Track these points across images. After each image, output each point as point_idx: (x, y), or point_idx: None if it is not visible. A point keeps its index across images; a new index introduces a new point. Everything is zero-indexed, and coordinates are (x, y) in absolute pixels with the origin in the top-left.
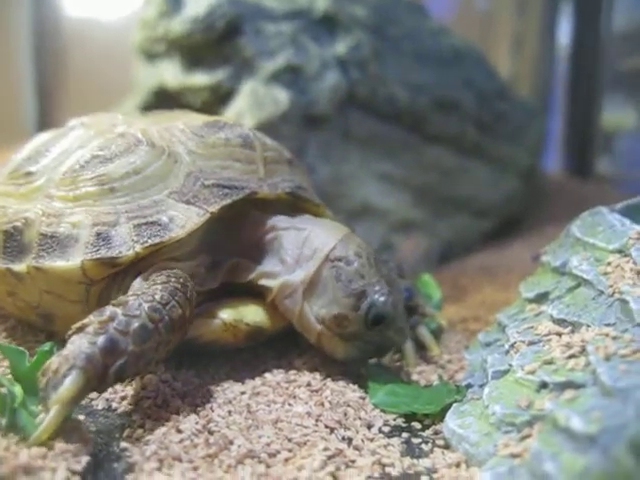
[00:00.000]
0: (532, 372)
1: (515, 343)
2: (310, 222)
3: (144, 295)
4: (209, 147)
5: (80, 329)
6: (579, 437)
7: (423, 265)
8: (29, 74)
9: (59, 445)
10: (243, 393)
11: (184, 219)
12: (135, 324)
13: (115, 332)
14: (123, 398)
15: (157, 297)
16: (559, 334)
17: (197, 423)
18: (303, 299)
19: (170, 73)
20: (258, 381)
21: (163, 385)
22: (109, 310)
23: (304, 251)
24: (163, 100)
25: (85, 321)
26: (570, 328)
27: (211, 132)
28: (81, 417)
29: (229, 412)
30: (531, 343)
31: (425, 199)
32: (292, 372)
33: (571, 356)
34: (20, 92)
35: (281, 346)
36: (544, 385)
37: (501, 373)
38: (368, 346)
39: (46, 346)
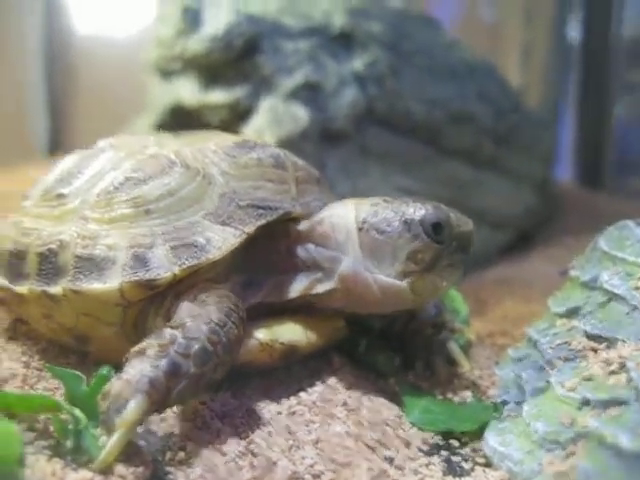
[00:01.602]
0: (573, 389)
1: (550, 359)
2: (322, 211)
3: (201, 317)
4: (242, 168)
5: (140, 352)
6: (627, 454)
7: None
8: (40, 92)
9: (119, 469)
10: (280, 413)
11: (220, 240)
12: (195, 346)
13: (176, 355)
14: (162, 420)
15: (214, 319)
16: (595, 350)
17: (239, 445)
18: (371, 274)
19: (187, 91)
20: (294, 400)
21: (201, 407)
22: (168, 333)
23: (337, 237)
24: (179, 118)
25: (144, 344)
26: (605, 344)
27: (243, 152)
28: None
29: (269, 433)
30: (567, 359)
31: None
32: (327, 391)
33: (611, 372)
34: (31, 110)
35: (314, 364)
36: (586, 402)
37: (539, 390)
38: (455, 256)
39: (104, 370)
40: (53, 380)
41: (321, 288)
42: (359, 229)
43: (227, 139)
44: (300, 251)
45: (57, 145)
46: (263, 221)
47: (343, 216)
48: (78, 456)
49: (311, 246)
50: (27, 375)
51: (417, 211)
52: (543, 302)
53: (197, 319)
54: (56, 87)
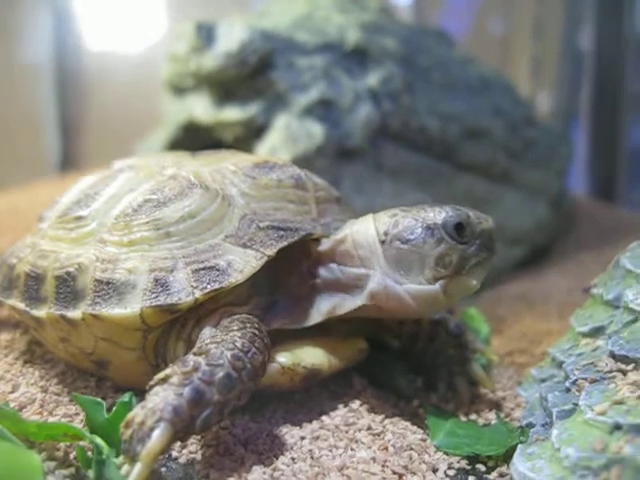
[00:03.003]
0: (603, 413)
1: (577, 380)
2: (342, 229)
3: (225, 343)
4: (262, 188)
5: (163, 380)
6: None
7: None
8: (52, 109)
9: None
10: (303, 438)
11: (242, 263)
12: (220, 373)
13: (200, 382)
14: (183, 447)
15: (238, 345)
16: (623, 372)
17: (264, 473)
18: (401, 285)
19: (200, 107)
20: (316, 424)
21: (223, 432)
22: (192, 360)
23: (360, 253)
24: (192, 135)
25: (168, 372)
26: (633, 365)
27: (262, 173)
28: None
29: (292, 459)
30: (594, 381)
31: None
32: (350, 414)
33: None
34: (43, 128)
35: (334, 386)
36: (618, 427)
37: (566, 413)
38: (482, 254)
39: (125, 397)
40: (71, 405)
41: (347, 307)
42: (382, 242)
43: (246, 159)
44: (322, 271)
45: (69, 162)
46: (284, 243)
47: (363, 232)
48: None
49: (334, 266)
50: (45, 400)
51: (438, 215)
52: (561, 319)
53: (221, 345)
54: (68, 105)
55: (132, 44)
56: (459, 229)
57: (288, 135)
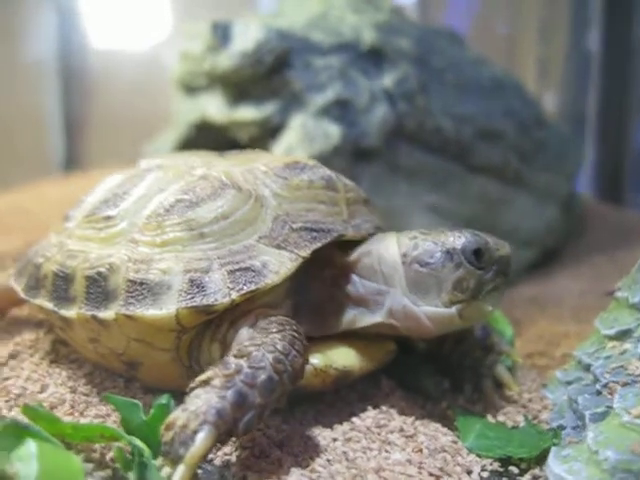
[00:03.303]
0: (639, 416)
1: (607, 384)
2: (367, 244)
3: (265, 345)
4: (293, 189)
5: (205, 382)
6: None
7: None
8: (56, 108)
9: None
10: (335, 440)
11: (277, 264)
12: (262, 376)
13: (243, 385)
14: (218, 449)
15: (279, 347)
16: None
17: (302, 475)
18: (419, 307)
19: (213, 107)
20: (347, 426)
21: (258, 434)
22: (234, 363)
23: (384, 270)
24: (205, 134)
25: (210, 374)
26: None
27: (294, 174)
28: None
29: (328, 461)
30: (625, 384)
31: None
32: (380, 416)
33: None
34: (47, 127)
35: (362, 387)
36: None
37: (599, 415)
38: (498, 279)
39: (163, 399)
40: (102, 406)
41: (366, 322)
42: (403, 263)
43: (276, 160)
44: (345, 283)
45: (73, 161)
46: (318, 244)
47: (388, 249)
48: None
49: (356, 278)
50: (75, 401)
51: (457, 240)
52: (576, 322)
53: (262, 348)
54: (72, 103)
55: (137, 42)
56: (478, 255)
57: (304, 135)
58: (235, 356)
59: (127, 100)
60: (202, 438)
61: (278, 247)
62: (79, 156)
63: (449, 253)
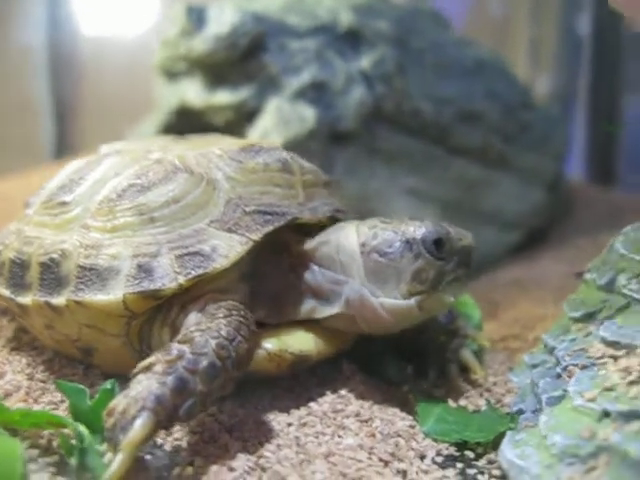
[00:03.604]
0: (592, 400)
1: (567, 366)
2: (327, 233)
3: (210, 331)
4: (248, 172)
5: (147, 368)
6: None
7: None
8: (46, 94)
9: None
10: (290, 425)
11: (227, 248)
12: (204, 362)
13: (184, 371)
14: (169, 434)
15: (223, 333)
16: (614, 357)
17: (248, 460)
18: (377, 298)
19: (192, 92)
20: (303, 411)
21: (209, 419)
22: (176, 348)
23: (342, 260)
24: (186, 119)
25: (152, 360)
26: (625, 351)
27: (249, 157)
28: None
29: (278, 446)
30: (584, 367)
31: (452, 213)
32: (338, 401)
33: (632, 382)
34: (37, 113)
35: (323, 372)
36: (606, 414)
37: (556, 399)
38: (459, 270)
39: (108, 384)
40: (57, 393)
41: (324, 312)
42: (361, 252)
43: (233, 143)
44: (303, 272)
45: (64, 148)
46: (270, 227)
47: (347, 238)
48: (83, 474)
49: (315, 267)
50: (31, 388)
51: (417, 230)
52: (556, 304)
53: (205, 333)
54: (62, 90)
55: (127, 28)
56: (438, 245)
57: (280, 119)
58: (179, 342)
59: (118, 86)
60: (140, 424)
61: (229, 231)
62: (70, 142)
63: (408, 243)
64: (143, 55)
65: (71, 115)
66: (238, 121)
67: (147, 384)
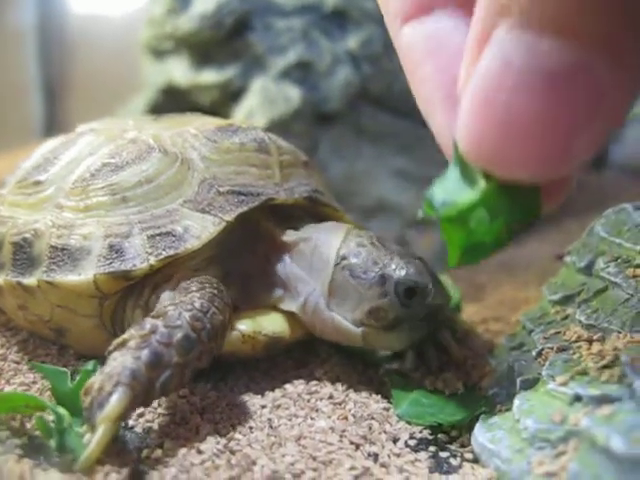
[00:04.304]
0: (564, 384)
1: (543, 349)
2: (313, 229)
3: (183, 304)
4: (223, 152)
5: (121, 344)
6: (619, 458)
7: (440, 262)
8: (35, 73)
9: (106, 468)
10: (264, 407)
11: (199, 229)
12: (178, 335)
13: (158, 345)
14: (140, 415)
15: (197, 305)
16: (589, 341)
17: (218, 443)
18: (330, 311)
19: (179, 71)
20: (278, 393)
21: (181, 400)
22: (149, 323)
23: (314, 262)
24: (172, 98)
25: (126, 336)
26: (600, 334)
27: (225, 137)
28: None
29: (250, 428)
30: (560, 350)
31: None
32: (313, 383)
33: (605, 366)
34: (26, 92)
35: (300, 354)
36: (578, 398)
37: (530, 382)
38: (417, 322)
39: (89, 364)
40: (30, 374)
41: (286, 306)
42: (336, 263)
43: (210, 122)
44: (277, 261)
45: (54, 127)
46: (245, 208)
47: (328, 245)
48: (63, 455)
49: (288, 259)
50: (3, 369)
51: (398, 270)
52: (540, 287)
53: (179, 307)
54: (51, 67)
55: (117, 6)
56: (409, 293)
57: (265, 98)
58: (152, 317)
59: (108, 64)
60: (116, 399)
61: (202, 211)
62: (60, 121)
63: (383, 278)
64: (133, 33)
65: (61, 93)
66: (223, 100)
67: (122, 360)
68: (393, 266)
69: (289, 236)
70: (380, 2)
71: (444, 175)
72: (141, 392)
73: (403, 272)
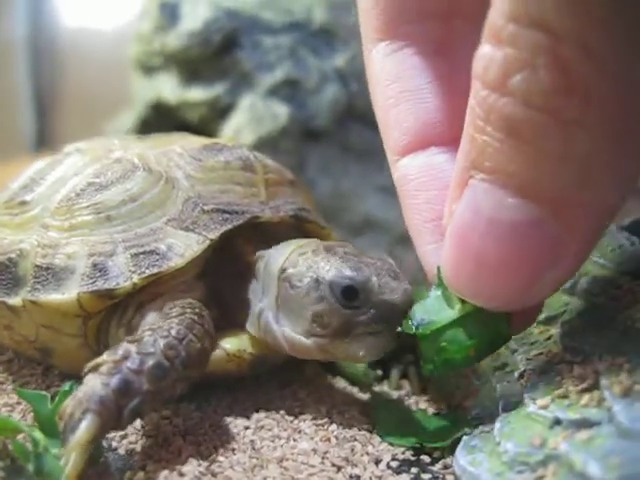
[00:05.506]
0: (545, 407)
1: (525, 371)
2: (276, 246)
3: (160, 330)
4: (208, 171)
5: (94, 368)
6: None
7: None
8: (25, 86)
9: None
10: (247, 428)
11: (183, 247)
12: (150, 362)
13: (129, 372)
14: (123, 437)
15: (173, 332)
16: (570, 363)
17: (200, 465)
18: (280, 326)
19: (167, 87)
20: (262, 414)
21: (164, 422)
22: (123, 348)
23: (265, 279)
24: (161, 115)
25: (99, 360)
26: (582, 357)
27: (210, 155)
28: None
29: (232, 450)
30: (542, 372)
31: None
32: (296, 404)
33: (584, 390)
34: (17, 104)
35: (284, 374)
36: (557, 422)
37: (512, 404)
38: (375, 325)
39: (66, 386)
40: (14, 395)
41: (247, 325)
42: (278, 277)
43: (195, 142)
44: (248, 280)
45: (44, 141)
46: (229, 226)
47: (276, 259)
48: (41, 479)
49: (254, 279)
50: None
51: (330, 271)
52: None
53: (155, 333)
54: (42, 81)
55: (108, 20)
56: (347, 293)
57: (253, 116)
58: (128, 341)
59: (98, 77)
60: (85, 426)
61: (186, 229)
62: (50, 135)
63: (317, 282)
64: (124, 47)
65: (51, 106)
66: (212, 117)
67: (92, 385)
68: (326, 268)
69: (260, 253)
70: (383, 136)
71: (425, 299)
72: (110, 419)
73: (334, 272)
